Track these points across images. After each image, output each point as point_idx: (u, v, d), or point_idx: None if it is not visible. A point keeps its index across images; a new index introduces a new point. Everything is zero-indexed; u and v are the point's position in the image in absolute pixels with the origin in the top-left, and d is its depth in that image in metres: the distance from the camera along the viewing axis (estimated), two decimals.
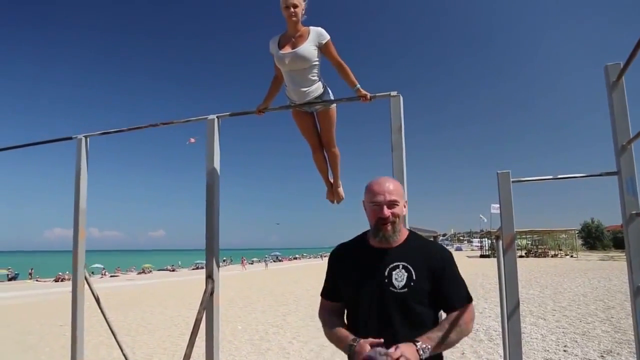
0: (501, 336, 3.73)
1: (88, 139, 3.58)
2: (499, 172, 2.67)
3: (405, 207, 1.90)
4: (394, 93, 2.71)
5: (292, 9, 2.94)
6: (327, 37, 2.99)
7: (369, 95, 2.85)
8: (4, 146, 3.93)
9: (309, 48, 2.94)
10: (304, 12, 3.01)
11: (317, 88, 3.04)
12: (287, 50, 2.97)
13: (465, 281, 1.80)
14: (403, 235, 1.85)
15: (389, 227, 1.78)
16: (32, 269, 38.71)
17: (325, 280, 1.97)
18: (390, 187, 1.80)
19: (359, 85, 2.91)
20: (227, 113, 3.12)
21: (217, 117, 3.08)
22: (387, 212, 1.77)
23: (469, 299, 1.78)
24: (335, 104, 3.12)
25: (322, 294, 1.98)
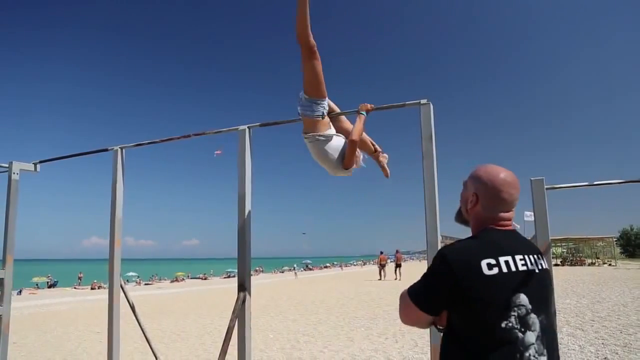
0: None
1: (124, 150, 3.69)
2: (532, 178, 2.62)
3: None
4: (424, 101, 2.69)
5: None
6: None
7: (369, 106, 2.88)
8: (44, 158, 4.09)
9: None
10: None
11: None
12: None
13: None
14: None
15: None
16: (81, 274, 40.13)
17: None
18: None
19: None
20: (258, 123, 3.16)
21: (248, 127, 3.13)
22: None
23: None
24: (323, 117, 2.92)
25: None
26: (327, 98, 2.86)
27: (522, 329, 1.36)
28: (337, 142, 2.96)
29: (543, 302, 1.45)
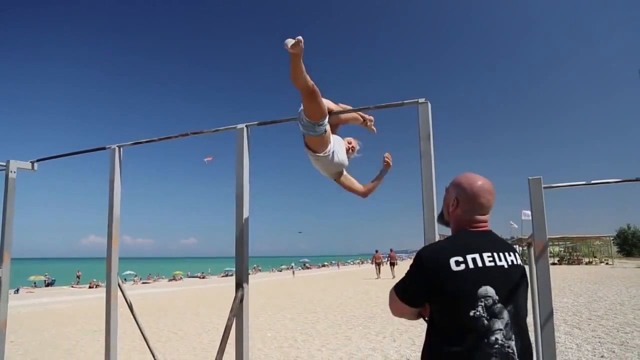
0: (534, 346, 3.63)
1: (121, 149, 3.68)
2: (530, 178, 2.62)
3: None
4: (422, 100, 2.67)
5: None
6: None
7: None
8: (42, 156, 4.07)
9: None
10: None
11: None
12: None
13: None
14: None
15: None
16: (79, 272, 40.03)
17: None
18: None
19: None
20: (256, 122, 3.13)
21: (245, 126, 3.11)
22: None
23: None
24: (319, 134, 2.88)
25: None
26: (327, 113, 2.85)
27: (489, 317, 1.56)
28: (338, 158, 3.05)
29: (512, 293, 1.65)
